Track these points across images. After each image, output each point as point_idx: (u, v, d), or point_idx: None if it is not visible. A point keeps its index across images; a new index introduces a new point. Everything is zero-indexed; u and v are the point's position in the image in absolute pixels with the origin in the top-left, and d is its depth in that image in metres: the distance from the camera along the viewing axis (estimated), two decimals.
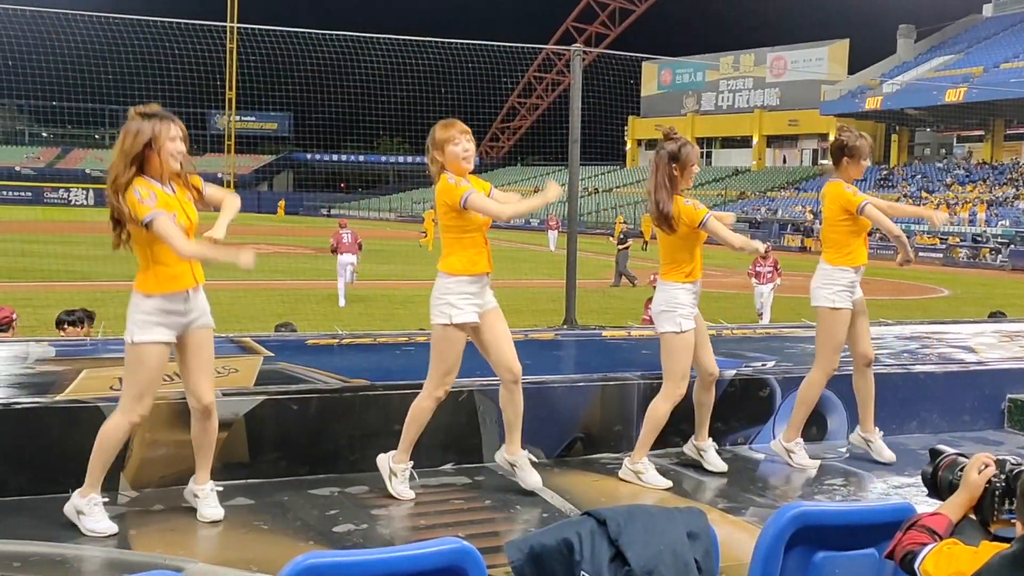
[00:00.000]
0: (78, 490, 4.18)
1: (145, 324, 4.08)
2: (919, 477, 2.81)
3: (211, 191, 4.34)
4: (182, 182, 4.20)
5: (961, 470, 2.53)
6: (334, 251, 20.71)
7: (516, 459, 4.87)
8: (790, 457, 5.60)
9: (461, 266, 4.63)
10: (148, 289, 4.10)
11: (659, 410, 5.16)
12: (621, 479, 5.20)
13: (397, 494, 4.72)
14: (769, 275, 18.41)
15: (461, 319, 4.62)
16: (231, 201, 4.34)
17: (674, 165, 5.03)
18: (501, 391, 4.82)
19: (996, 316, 11.83)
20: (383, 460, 4.83)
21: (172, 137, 4.07)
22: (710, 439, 5.44)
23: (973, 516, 2.51)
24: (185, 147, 4.14)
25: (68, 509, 4.18)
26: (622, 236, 25.08)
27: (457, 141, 4.61)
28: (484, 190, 4.75)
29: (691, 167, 5.07)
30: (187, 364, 4.24)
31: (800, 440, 5.63)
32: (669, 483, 5.13)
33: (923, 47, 63.88)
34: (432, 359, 4.70)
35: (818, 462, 5.59)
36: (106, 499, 4.26)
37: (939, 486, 2.61)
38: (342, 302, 19.61)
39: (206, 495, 4.36)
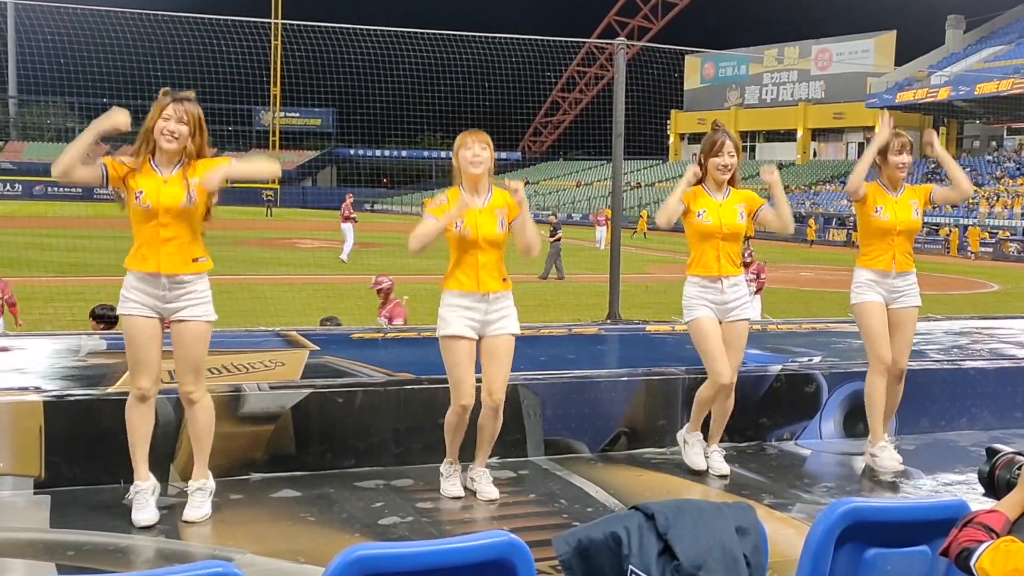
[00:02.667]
0: None
1: (124, 298, 4.20)
2: (970, 474, 2.78)
3: (232, 170, 4.24)
4: (194, 167, 4.16)
5: (1019, 468, 2.49)
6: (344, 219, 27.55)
7: (477, 475, 4.82)
8: (873, 460, 5.46)
9: (449, 283, 4.66)
10: (126, 263, 4.22)
11: (701, 394, 5.24)
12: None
13: (444, 492, 4.76)
14: (752, 282, 15.60)
15: (445, 332, 4.62)
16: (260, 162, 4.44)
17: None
18: (481, 414, 4.74)
19: None
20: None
21: (165, 116, 4.09)
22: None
23: None
24: (183, 127, 4.10)
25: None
26: (552, 229, 24.97)
27: (469, 146, 4.59)
28: (509, 203, 4.64)
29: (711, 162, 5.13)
30: (174, 355, 4.29)
31: (883, 443, 5.43)
32: (704, 466, 5.20)
33: (972, 38, 62.79)
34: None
35: (900, 466, 5.37)
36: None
37: (996, 485, 2.57)
38: (343, 258, 26.43)
39: (191, 492, 4.34)
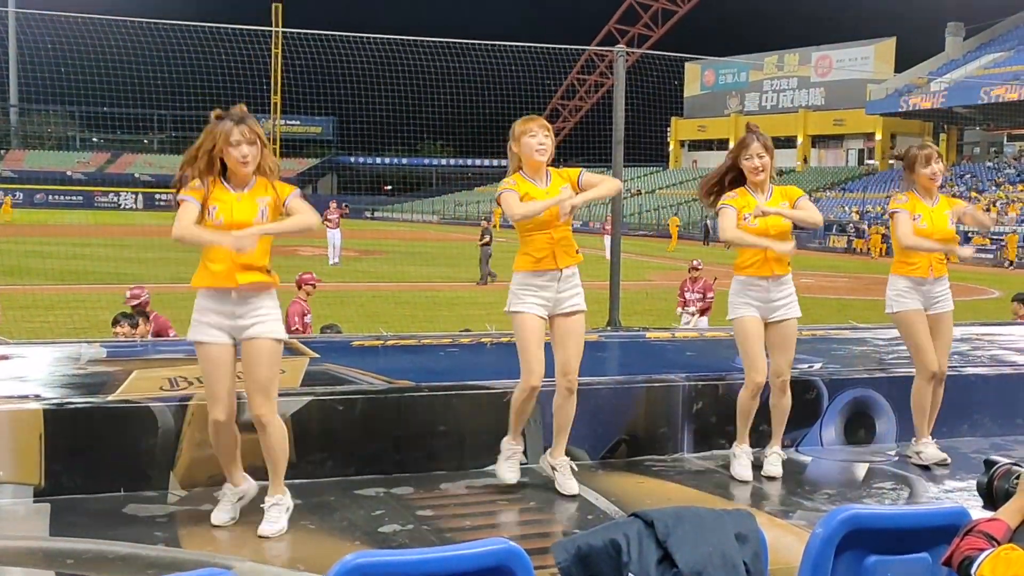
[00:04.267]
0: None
1: (196, 323, 4.13)
2: (971, 482, 2.78)
3: (293, 204, 4.20)
4: (264, 184, 4.13)
5: (1017, 478, 2.50)
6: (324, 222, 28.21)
7: (558, 463, 4.90)
8: (919, 457, 5.63)
9: (522, 263, 4.74)
10: (195, 282, 4.13)
11: (740, 398, 5.30)
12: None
13: (499, 475, 4.90)
14: (699, 302, 14.44)
15: (516, 308, 4.72)
16: (295, 220, 4.21)
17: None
18: (555, 396, 4.86)
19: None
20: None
21: (234, 143, 4.04)
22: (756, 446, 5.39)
23: None
24: (254, 149, 4.06)
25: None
26: (482, 233, 25.12)
27: (534, 133, 4.68)
28: (570, 179, 4.74)
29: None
30: (244, 375, 4.20)
31: (927, 439, 5.63)
32: (749, 476, 5.23)
33: (972, 45, 62.87)
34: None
35: (944, 455, 5.58)
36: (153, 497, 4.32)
37: (995, 496, 2.58)
38: (331, 260, 27.60)
39: (267, 508, 4.25)
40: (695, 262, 15.01)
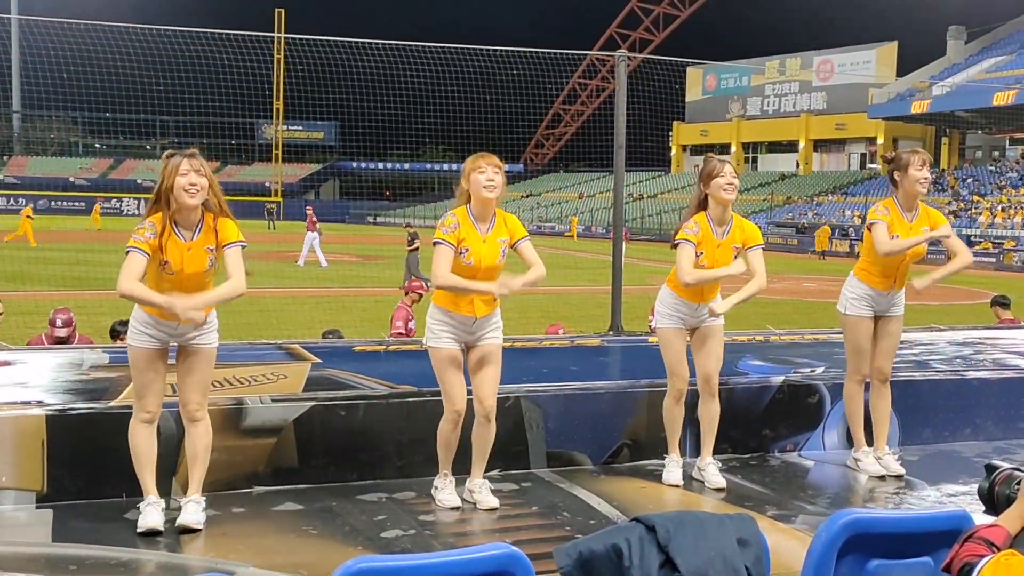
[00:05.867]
0: None
1: (134, 331, 4.28)
2: (973, 486, 2.78)
3: (229, 257, 4.26)
4: (209, 227, 4.23)
5: (1018, 484, 2.50)
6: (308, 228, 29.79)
7: (475, 485, 4.84)
8: (856, 465, 5.62)
9: (441, 299, 4.70)
10: (140, 306, 4.27)
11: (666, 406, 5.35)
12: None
13: (440, 503, 4.76)
14: None
15: (435, 343, 4.67)
16: (228, 288, 4.26)
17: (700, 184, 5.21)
18: (474, 424, 4.79)
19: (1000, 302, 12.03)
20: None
21: (183, 172, 4.13)
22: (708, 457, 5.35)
23: None
24: (202, 179, 4.14)
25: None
26: (409, 238, 24.88)
27: (483, 170, 4.62)
28: (512, 235, 4.70)
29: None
30: (180, 376, 4.36)
31: (865, 448, 5.63)
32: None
33: (974, 48, 62.88)
34: None
35: (881, 469, 5.53)
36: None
37: (996, 501, 2.58)
38: (301, 262, 28.72)
39: (185, 504, 4.36)
40: None
